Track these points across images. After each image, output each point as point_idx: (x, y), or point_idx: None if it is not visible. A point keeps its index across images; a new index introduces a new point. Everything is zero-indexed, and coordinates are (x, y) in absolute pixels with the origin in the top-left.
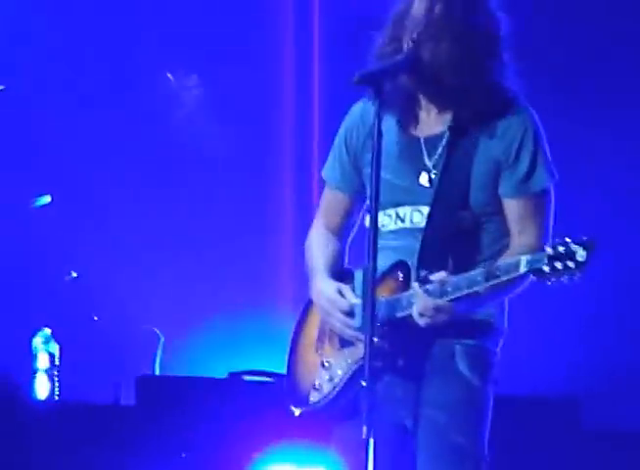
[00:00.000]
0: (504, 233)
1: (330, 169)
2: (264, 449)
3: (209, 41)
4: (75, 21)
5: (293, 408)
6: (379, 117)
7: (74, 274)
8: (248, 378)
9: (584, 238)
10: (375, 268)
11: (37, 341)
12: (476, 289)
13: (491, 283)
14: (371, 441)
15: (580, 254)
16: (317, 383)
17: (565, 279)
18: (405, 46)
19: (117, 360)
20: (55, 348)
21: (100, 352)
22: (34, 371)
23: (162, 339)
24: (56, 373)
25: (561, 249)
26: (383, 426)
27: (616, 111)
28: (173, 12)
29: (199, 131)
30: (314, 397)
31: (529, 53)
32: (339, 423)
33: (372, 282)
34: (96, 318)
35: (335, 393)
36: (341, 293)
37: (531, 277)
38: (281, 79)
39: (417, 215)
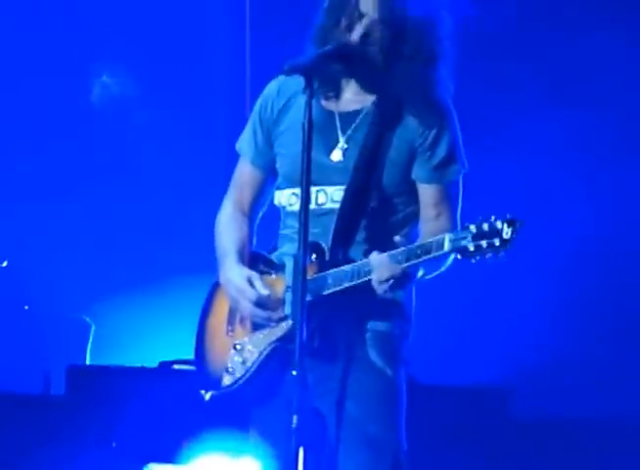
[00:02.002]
0: (410, 219)
1: (245, 142)
2: (194, 439)
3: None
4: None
5: (203, 392)
6: (310, 107)
7: (4, 263)
8: (178, 367)
9: (508, 215)
10: (305, 257)
11: None
12: (415, 261)
13: (412, 263)
14: (301, 450)
15: (505, 231)
16: (229, 366)
17: (489, 257)
18: (341, 35)
19: (48, 349)
20: None
21: (30, 341)
22: None
23: (93, 328)
24: None
25: (485, 226)
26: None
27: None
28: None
29: (138, 115)
30: (227, 380)
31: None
32: (255, 408)
33: (303, 266)
34: (27, 307)
35: (248, 375)
36: (250, 282)
37: (454, 256)
38: (214, 70)
39: (322, 196)
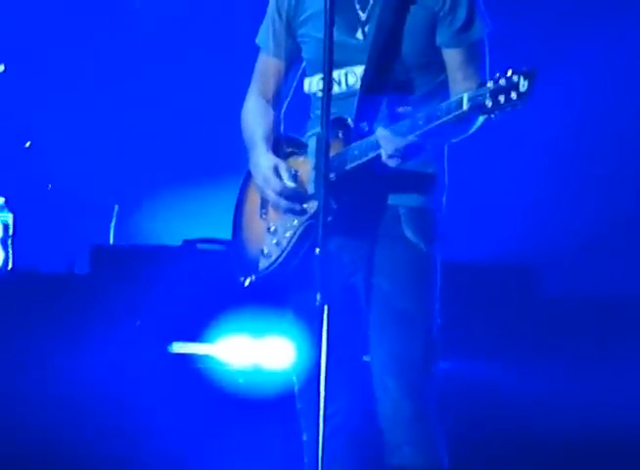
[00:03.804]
0: (434, 90)
1: (264, 36)
2: (220, 319)
3: None
4: None
5: (242, 279)
6: None
7: (29, 143)
8: (202, 246)
9: (525, 68)
10: (328, 135)
11: None
12: (431, 125)
13: (433, 124)
14: (325, 308)
15: (522, 83)
16: (265, 249)
17: (508, 111)
18: None
19: (72, 229)
20: (8, 217)
21: (54, 220)
22: None
23: (117, 207)
24: (10, 242)
25: (502, 81)
26: (337, 290)
27: None
28: None
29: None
30: (263, 263)
31: None
32: (292, 289)
33: (326, 149)
34: (50, 187)
35: (283, 256)
36: (277, 171)
37: (482, 119)
38: None
39: (351, 78)
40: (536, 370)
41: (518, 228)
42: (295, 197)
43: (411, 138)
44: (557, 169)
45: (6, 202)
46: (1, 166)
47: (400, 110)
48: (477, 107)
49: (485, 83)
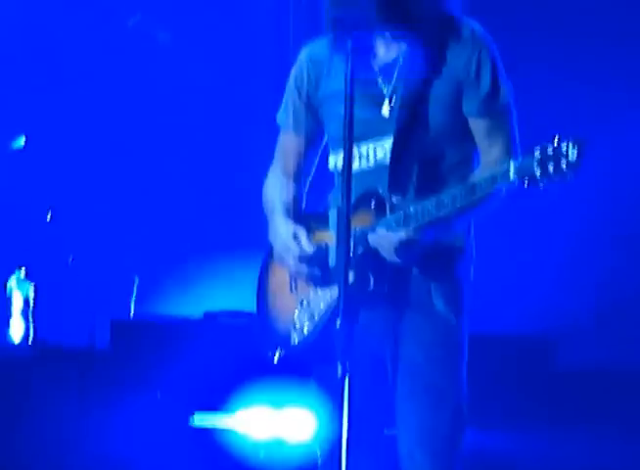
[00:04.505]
0: (463, 160)
1: (284, 114)
2: (240, 390)
3: None
4: None
5: (272, 354)
6: (353, 58)
7: (50, 215)
8: (223, 319)
9: (573, 136)
10: (349, 207)
11: (12, 283)
12: (459, 205)
13: (475, 197)
14: (347, 379)
15: (572, 152)
16: (297, 322)
17: (556, 181)
18: None
19: (93, 302)
20: (30, 289)
21: (75, 293)
22: (9, 314)
23: (137, 279)
24: (30, 315)
25: (549, 150)
26: (362, 362)
27: None
28: None
29: (181, 79)
30: (295, 337)
31: None
32: (318, 362)
33: (347, 222)
34: (71, 259)
35: (317, 331)
36: (296, 237)
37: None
38: (256, 30)
39: (380, 151)
40: (553, 441)
41: (535, 300)
42: (315, 262)
43: (403, 235)
44: (575, 242)
45: (27, 274)
46: (22, 238)
47: (393, 200)
48: (525, 176)
49: (532, 152)
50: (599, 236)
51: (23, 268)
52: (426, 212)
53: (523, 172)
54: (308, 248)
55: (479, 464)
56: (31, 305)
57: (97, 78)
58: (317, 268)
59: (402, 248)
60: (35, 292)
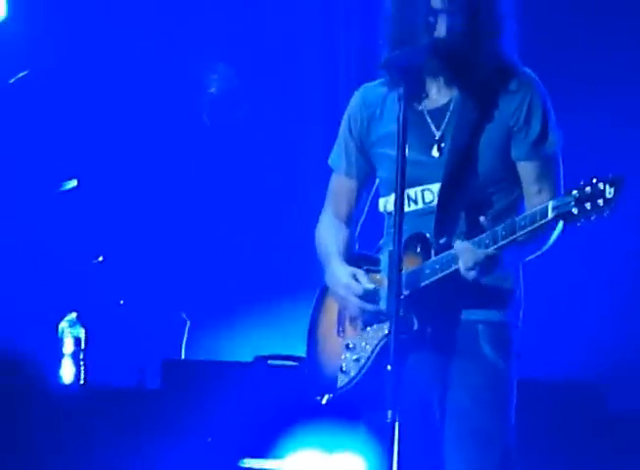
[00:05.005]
0: (510, 205)
1: (336, 157)
2: (290, 434)
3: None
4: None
5: (319, 398)
6: (405, 101)
7: (101, 258)
8: (273, 362)
9: (610, 175)
10: (400, 250)
11: (63, 325)
12: (515, 236)
13: (517, 234)
14: (396, 425)
15: (609, 191)
16: (344, 365)
17: (593, 219)
18: (420, 28)
19: (143, 344)
20: (81, 332)
21: (126, 335)
22: (60, 356)
23: (189, 323)
24: (81, 357)
25: (587, 189)
26: (410, 406)
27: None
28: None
29: (233, 121)
30: (342, 380)
31: None
32: (367, 405)
33: (398, 264)
34: (122, 302)
35: (362, 373)
36: (355, 278)
37: (557, 233)
38: (308, 70)
39: (428, 195)
40: None
41: (585, 344)
42: (377, 301)
43: (491, 251)
44: (622, 285)
45: (78, 316)
46: (73, 281)
47: (481, 219)
48: (562, 215)
49: (570, 192)
50: None
51: (75, 312)
52: (500, 236)
53: (561, 210)
54: (369, 285)
55: None
56: (82, 347)
57: (147, 123)
58: (380, 305)
59: (484, 263)
60: (86, 334)
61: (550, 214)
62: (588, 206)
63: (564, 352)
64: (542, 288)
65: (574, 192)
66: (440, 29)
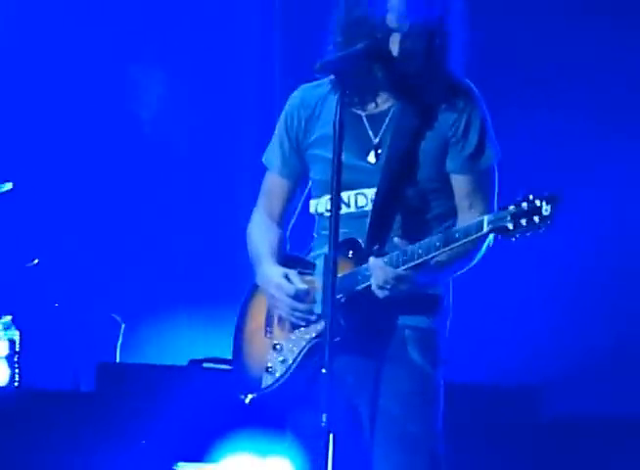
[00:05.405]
0: (448, 213)
1: (271, 155)
2: (224, 438)
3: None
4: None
5: (243, 396)
6: (341, 104)
7: (36, 261)
8: (208, 365)
9: (546, 193)
10: (335, 254)
11: None
12: (434, 254)
13: (450, 247)
14: (330, 434)
15: (545, 208)
16: (270, 366)
17: (528, 235)
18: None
19: (78, 347)
20: (15, 334)
21: (60, 338)
22: None
23: (123, 326)
24: (16, 359)
25: (524, 205)
26: (339, 410)
27: None
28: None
29: (166, 122)
30: (267, 380)
31: None
32: (292, 409)
33: (334, 268)
34: (57, 305)
35: (288, 374)
36: (287, 278)
37: (483, 251)
38: (243, 71)
39: (361, 199)
40: None
41: (517, 348)
42: (308, 302)
43: (401, 271)
44: (555, 290)
45: (13, 319)
46: (8, 284)
47: (395, 239)
48: (497, 229)
49: (507, 207)
50: (581, 284)
51: (9, 315)
52: (416, 255)
53: (496, 225)
54: (302, 285)
55: None
56: (17, 349)
57: (79, 124)
58: (313, 305)
59: (395, 282)
60: (21, 336)
61: (485, 228)
62: (524, 222)
63: (495, 357)
64: (477, 292)
65: (511, 207)
66: (393, 49)
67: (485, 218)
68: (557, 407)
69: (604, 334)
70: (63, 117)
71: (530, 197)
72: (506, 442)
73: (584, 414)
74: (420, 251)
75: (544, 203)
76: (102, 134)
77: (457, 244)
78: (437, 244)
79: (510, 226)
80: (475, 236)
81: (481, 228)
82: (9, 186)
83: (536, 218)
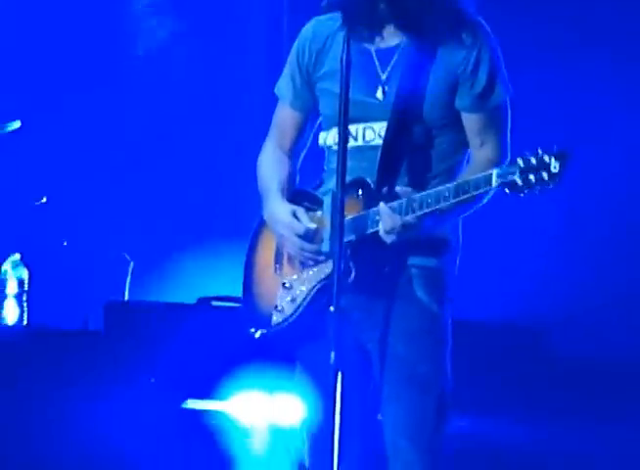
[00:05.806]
0: (454, 150)
1: (283, 86)
2: (232, 375)
3: None
4: None
5: (253, 331)
6: (348, 42)
7: (44, 199)
8: (216, 303)
9: (556, 148)
10: (343, 191)
11: (6, 266)
12: (444, 205)
13: (460, 198)
14: (339, 374)
15: (554, 165)
16: (279, 304)
17: (537, 191)
18: None
19: (86, 285)
20: (24, 273)
21: (69, 277)
22: (3, 296)
23: (132, 264)
24: (25, 298)
25: (533, 160)
26: (344, 349)
27: None
28: None
29: (176, 58)
30: (277, 318)
31: None
32: (302, 345)
33: (341, 204)
34: (65, 243)
35: (297, 313)
36: (295, 216)
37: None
38: (252, 6)
39: (369, 133)
40: (546, 429)
41: (528, 288)
42: (316, 241)
43: (409, 218)
44: (567, 230)
45: (21, 258)
46: (17, 223)
47: (397, 188)
48: (506, 184)
49: (515, 161)
50: (590, 225)
51: (18, 253)
52: (425, 205)
53: (504, 180)
54: (311, 225)
55: (464, 452)
56: (25, 288)
57: (94, 70)
58: (320, 244)
59: (402, 230)
60: (30, 275)
61: (494, 183)
62: (532, 178)
63: (504, 296)
64: (488, 231)
65: (519, 161)
66: None
67: (494, 172)
68: (563, 346)
69: (613, 273)
70: (70, 54)
71: (539, 151)
72: (513, 380)
73: (592, 354)
74: (429, 200)
75: (553, 159)
76: (109, 72)
77: (466, 196)
78: (447, 194)
79: (519, 181)
80: (484, 190)
81: (490, 182)
82: (17, 124)
83: (545, 175)
